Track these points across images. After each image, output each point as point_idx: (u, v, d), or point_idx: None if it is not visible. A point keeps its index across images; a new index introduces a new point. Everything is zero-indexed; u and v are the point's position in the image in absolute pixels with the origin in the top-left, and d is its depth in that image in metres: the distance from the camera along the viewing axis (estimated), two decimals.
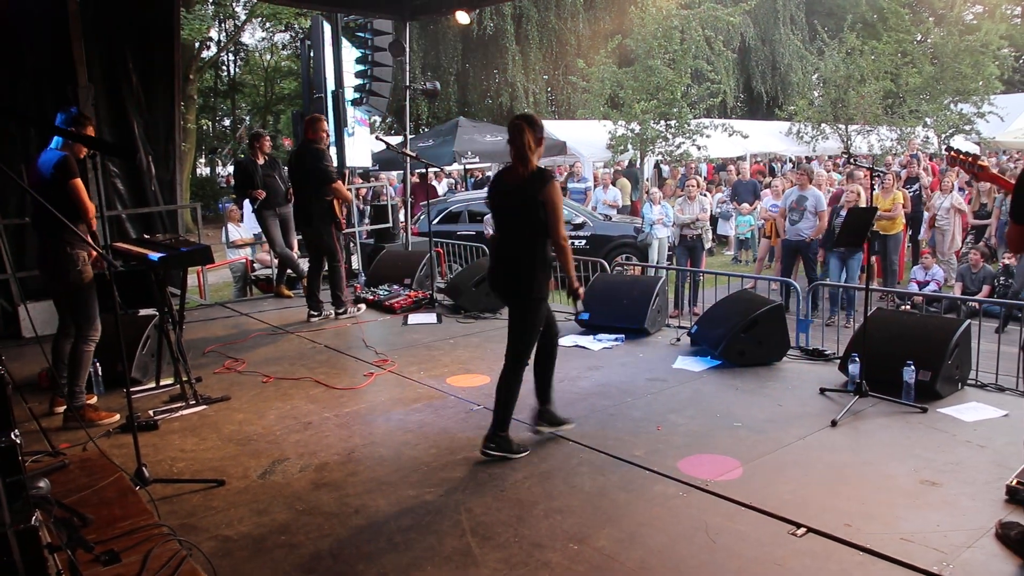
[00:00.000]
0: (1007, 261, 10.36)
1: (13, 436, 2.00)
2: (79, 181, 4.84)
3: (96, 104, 8.12)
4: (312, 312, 8.12)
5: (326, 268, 8.04)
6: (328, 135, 8.27)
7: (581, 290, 4.52)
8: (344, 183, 8.40)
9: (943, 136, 21.65)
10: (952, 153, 3.94)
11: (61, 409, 5.22)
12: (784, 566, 3.21)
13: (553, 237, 4.30)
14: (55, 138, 5.01)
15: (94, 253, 4.93)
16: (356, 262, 10.66)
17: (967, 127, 21.37)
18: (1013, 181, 3.31)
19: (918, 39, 23.52)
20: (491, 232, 11.00)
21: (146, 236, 5.84)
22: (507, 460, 4.37)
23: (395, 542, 3.49)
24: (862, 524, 3.49)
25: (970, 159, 3.82)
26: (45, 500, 2.21)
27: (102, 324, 5.19)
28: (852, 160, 6.37)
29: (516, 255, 4.44)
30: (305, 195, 7.87)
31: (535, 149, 4.33)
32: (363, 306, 8.41)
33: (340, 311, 8.11)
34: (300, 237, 8.98)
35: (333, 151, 9.44)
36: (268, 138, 9.31)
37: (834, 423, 4.77)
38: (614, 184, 16.16)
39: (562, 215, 4.29)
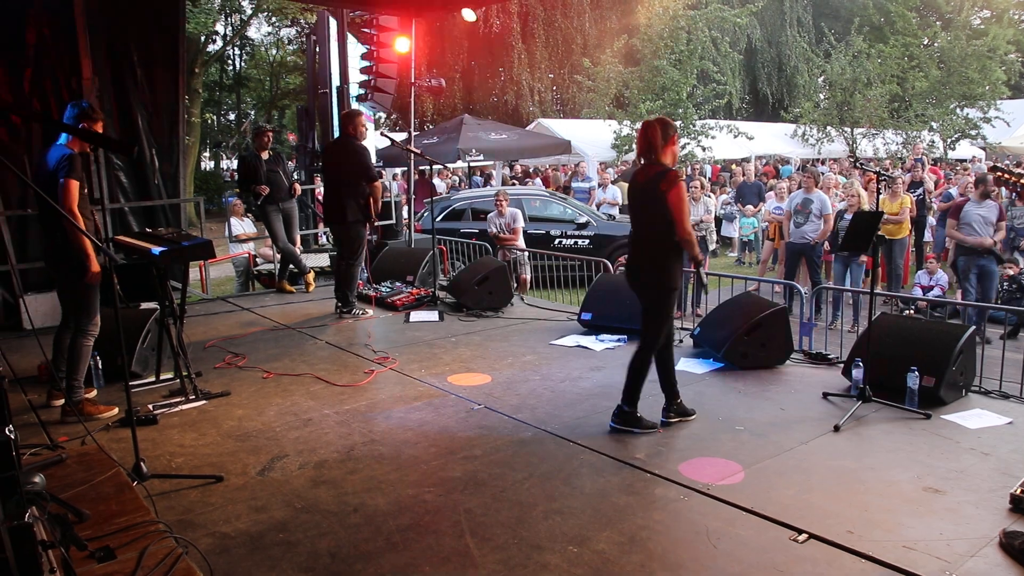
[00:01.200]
0: (1011, 272, 10.27)
1: (8, 432, 1.97)
2: (73, 182, 4.78)
3: (100, 97, 8.10)
4: (343, 309, 8.05)
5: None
6: (366, 129, 8.16)
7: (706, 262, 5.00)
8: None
9: (948, 141, 21.62)
10: (998, 173, 3.90)
11: (59, 402, 5.19)
12: (785, 572, 3.18)
13: (677, 230, 4.59)
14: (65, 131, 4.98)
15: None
16: None
17: (973, 132, 21.33)
18: None
19: (925, 43, 23.48)
20: (494, 230, 10.98)
21: (148, 230, 5.81)
22: (632, 434, 4.72)
23: (393, 542, 3.46)
24: (864, 531, 3.46)
25: (1014, 179, 3.78)
26: (40, 496, 2.18)
27: (102, 318, 5.17)
28: (858, 164, 6.33)
29: (649, 248, 4.82)
30: (340, 190, 7.75)
31: (664, 148, 4.69)
32: (371, 310, 8.28)
33: (346, 310, 8.05)
34: (312, 232, 8.94)
35: None
36: (270, 132, 9.29)
37: (837, 428, 4.74)
38: (614, 183, 16.12)
39: (686, 209, 4.61)
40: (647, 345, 4.80)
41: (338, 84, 10.59)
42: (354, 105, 10.44)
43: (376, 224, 8.33)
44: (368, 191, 7.75)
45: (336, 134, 9.79)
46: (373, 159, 8.74)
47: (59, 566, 2.17)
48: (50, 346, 5.29)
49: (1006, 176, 3.81)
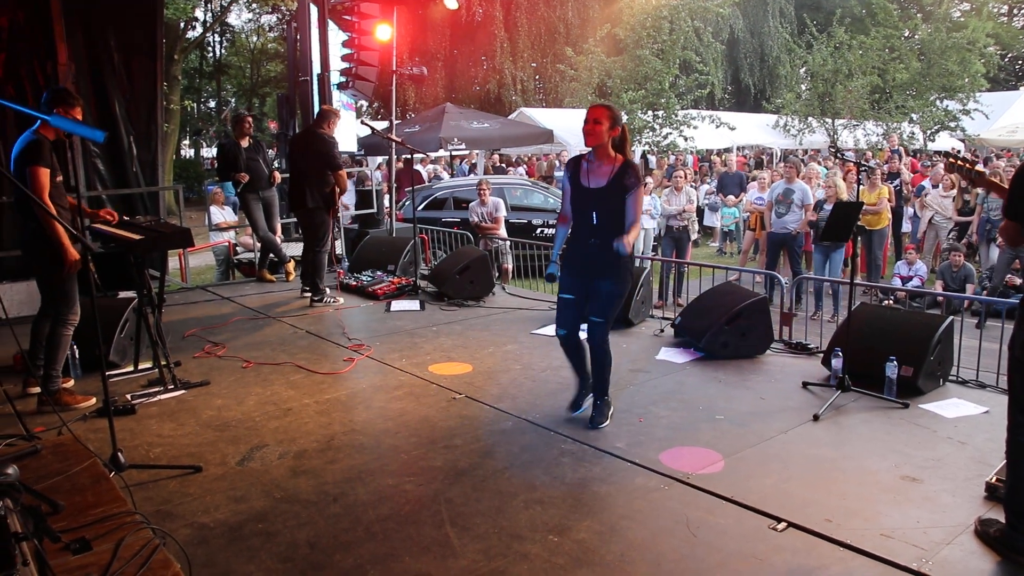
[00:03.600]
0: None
1: None
2: (40, 169, 4.68)
3: (77, 83, 7.99)
4: (313, 297, 8.10)
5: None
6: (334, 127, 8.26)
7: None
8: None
9: (928, 132, 21.76)
10: (951, 160, 3.92)
11: (34, 391, 5.13)
12: (764, 561, 3.19)
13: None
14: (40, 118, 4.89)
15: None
16: (340, 247, 10.59)
17: (952, 124, 21.49)
18: (1007, 187, 3.30)
19: (906, 35, 23.60)
20: (476, 220, 10.95)
21: (126, 218, 5.74)
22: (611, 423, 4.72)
23: (373, 532, 3.45)
24: (843, 519, 3.49)
25: (967, 165, 3.80)
26: (13, 487, 2.14)
27: (80, 306, 5.11)
28: (839, 154, 6.35)
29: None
30: (305, 179, 7.84)
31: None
32: (341, 297, 8.32)
33: (316, 298, 8.07)
34: (293, 220, 8.92)
35: None
36: (250, 120, 9.21)
37: (816, 417, 4.77)
38: None
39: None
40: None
41: (319, 72, 10.50)
42: (335, 93, 10.37)
43: (336, 213, 8.39)
44: (332, 180, 7.87)
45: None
46: (342, 149, 8.78)
47: (33, 558, 2.14)
48: (25, 336, 5.23)
49: (959, 163, 3.83)
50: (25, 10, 7.69)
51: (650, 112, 19.37)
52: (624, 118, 18.57)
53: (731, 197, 15.46)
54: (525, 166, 22.85)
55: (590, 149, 4.59)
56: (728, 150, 22.67)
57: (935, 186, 12.56)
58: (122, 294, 7.00)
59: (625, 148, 4.61)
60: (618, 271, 4.55)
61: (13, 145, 4.91)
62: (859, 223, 5.29)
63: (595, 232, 4.51)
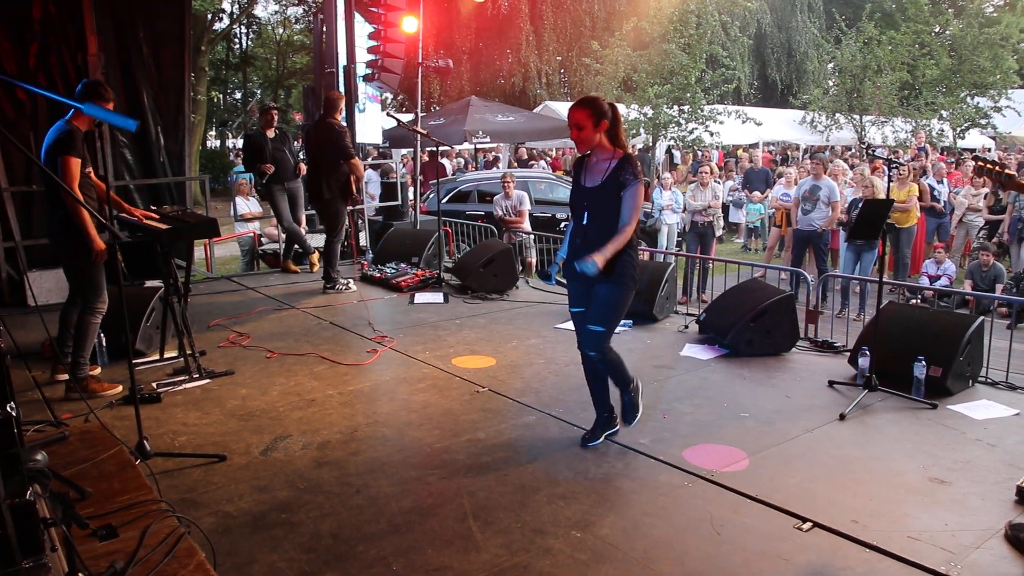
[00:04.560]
0: None
1: (9, 409, 1.95)
2: (71, 159, 4.72)
3: (106, 73, 8.06)
4: (326, 284, 8.22)
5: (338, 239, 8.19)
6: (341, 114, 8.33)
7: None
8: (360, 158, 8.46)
9: (958, 130, 21.46)
10: (980, 163, 3.85)
11: (62, 378, 5.19)
12: (790, 561, 3.16)
13: None
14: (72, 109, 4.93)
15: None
16: (364, 239, 10.62)
17: (983, 121, 21.18)
18: None
19: (936, 30, 23.27)
20: (500, 213, 10.94)
21: (153, 208, 5.78)
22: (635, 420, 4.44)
23: (396, 524, 3.45)
24: (869, 520, 3.45)
25: (997, 168, 3.73)
26: (42, 473, 2.16)
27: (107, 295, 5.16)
28: (871, 151, 6.27)
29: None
30: (321, 169, 7.94)
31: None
32: (353, 284, 8.43)
33: (329, 286, 8.20)
34: (312, 212, 9.00)
35: None
36: (276, 112, 9.26)
37: (842, 417, 4.72)
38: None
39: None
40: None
41: (345, 64, 10.51)
42: (360, 85, 10.38)
43: (355, 201, 8.53)
44: (347, 170, 7.96)
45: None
46: (368, 140, 8.84)
47: (61, 544, 2.16)
48: (54, 323, 5.28)
49: (988, 166, 3.76)
50: (56, 2, 7.76)
51: (676, 107, 19.24)
52: (649, 112, 18.54)
53: (757, 193, 15.34)
54: (548, 159, 22.80)
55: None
56: (754, 146, 22.50)
57: (939, 182, 12.40)
58: (148, 283, 7.05)
59: (619, 137, 4.15)
60: (614, 274, 4.03)
61: (45, 135, 4.95)
62: (888, 221, 5.22)
63: (584, 232, 4.12)
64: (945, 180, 12.63)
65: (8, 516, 1.89)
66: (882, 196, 9.51)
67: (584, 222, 4.14)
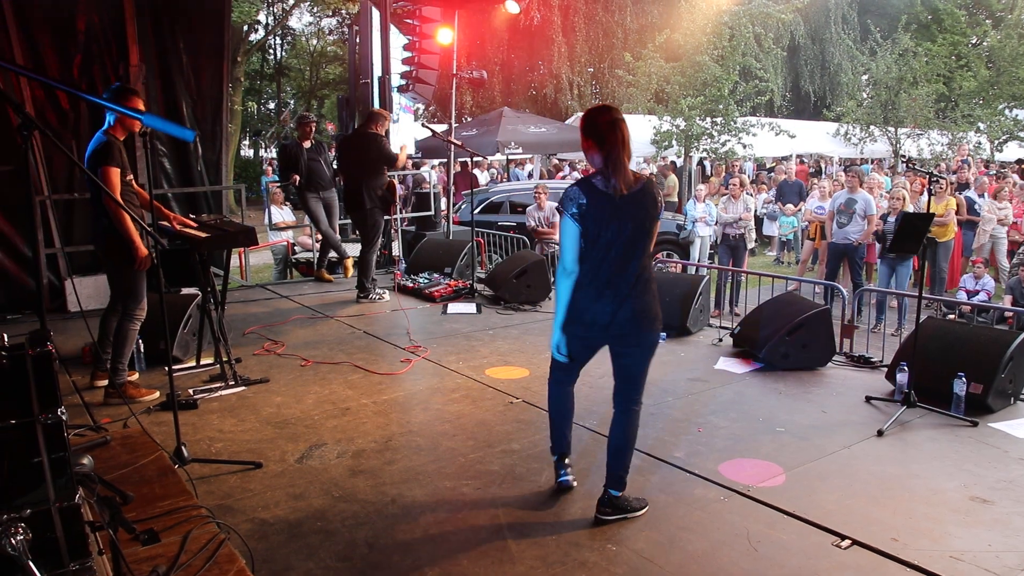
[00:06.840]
0: None
1: (59, 413, 1.99)
2: (111, 169, 4.81)
3: (147, 83, 8.20)
4: (359, 294, 8.30)
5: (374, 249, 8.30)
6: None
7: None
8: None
9: (996, 143, 21.14)
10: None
11: (102, 383, 5.26)
12: None
13: None
14: (106, 119, 5.02)
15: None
16: (397, 248, 10.68)
17: (1022, 133, 20.84)
18: None
19: (974, 42, 22.96)
20: (533, 224, 10.95)
21: (191, 216, 5.86)
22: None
23: (431, 534, 3.46)
24: (910, 539, 3.39)
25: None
26: (88, 478, 2.20)
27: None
28: (910, 165, 6.20)
29: None
30: (360, 179, 8.00)
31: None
32: (387, 294, 8.48)
33: (362, 295, 8.28)
34: (349, 221, 9.09)
35: None
36: (314, 123, 9.38)
37: (880, 433, 4.65)
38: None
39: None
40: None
41: (379, 74, 10.60)
42: (395, 96, 10.47)
43: (396, 210, 8.63)
44: (386, 180, 8.09)
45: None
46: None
47: (106, 547, 2.19)
48: (94, 329, 5.36)
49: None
50: (100, 13, 7.92)
51: (708, 119, 19.15)
52: (682, 124, 18.44)
53: (790, 206, 15.21)
54: (579, 171, 22.78)
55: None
56: (787, 158, 22.30)
57: (980, 195, 12.20)
58: (184, 291, 7.14)
59: (604, 138, 3.57)
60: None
61: (87, 144, 5.04)
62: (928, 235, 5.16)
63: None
64: (986, 194, 12.43)
65: (57, 519, 1.93)
66: (909, 209, 9.42)
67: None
